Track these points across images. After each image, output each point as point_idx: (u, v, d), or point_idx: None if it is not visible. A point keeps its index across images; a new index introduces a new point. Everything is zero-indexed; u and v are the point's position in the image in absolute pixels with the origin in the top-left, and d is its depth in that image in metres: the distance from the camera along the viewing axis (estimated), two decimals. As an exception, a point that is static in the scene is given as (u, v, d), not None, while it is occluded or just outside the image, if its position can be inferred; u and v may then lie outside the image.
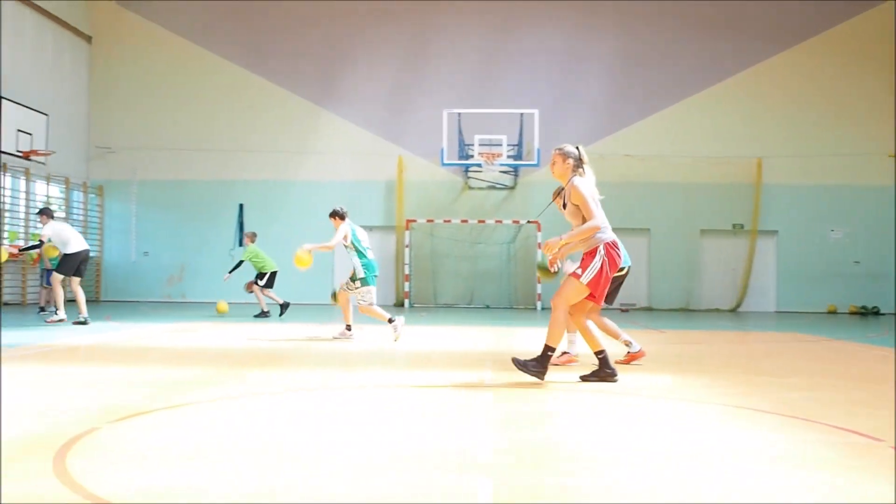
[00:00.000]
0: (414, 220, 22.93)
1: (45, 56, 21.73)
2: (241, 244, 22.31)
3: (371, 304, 10.76)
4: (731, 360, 9.50)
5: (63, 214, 22.19)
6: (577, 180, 6.75)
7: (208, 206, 23.16)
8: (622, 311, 20.91)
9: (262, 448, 4.25)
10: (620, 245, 7.03)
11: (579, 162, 6.88)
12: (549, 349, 6.58)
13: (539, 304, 22.13)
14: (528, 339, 12.19)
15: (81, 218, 23.00)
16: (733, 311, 22.91)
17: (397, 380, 7.04)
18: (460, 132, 21.65)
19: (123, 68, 23.76)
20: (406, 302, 22.49)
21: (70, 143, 22.54)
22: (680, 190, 23.20)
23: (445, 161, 21.38)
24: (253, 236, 16.34)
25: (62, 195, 22.32)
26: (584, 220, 6.67)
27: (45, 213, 13.50)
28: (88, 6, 23.79)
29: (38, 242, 13.50)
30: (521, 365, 6.60)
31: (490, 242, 23.30)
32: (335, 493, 3.40)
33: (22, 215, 19.99)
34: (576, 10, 23.50)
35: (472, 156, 21.25)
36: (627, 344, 8.48)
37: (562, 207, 6.97)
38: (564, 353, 8.40)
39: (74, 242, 13.07)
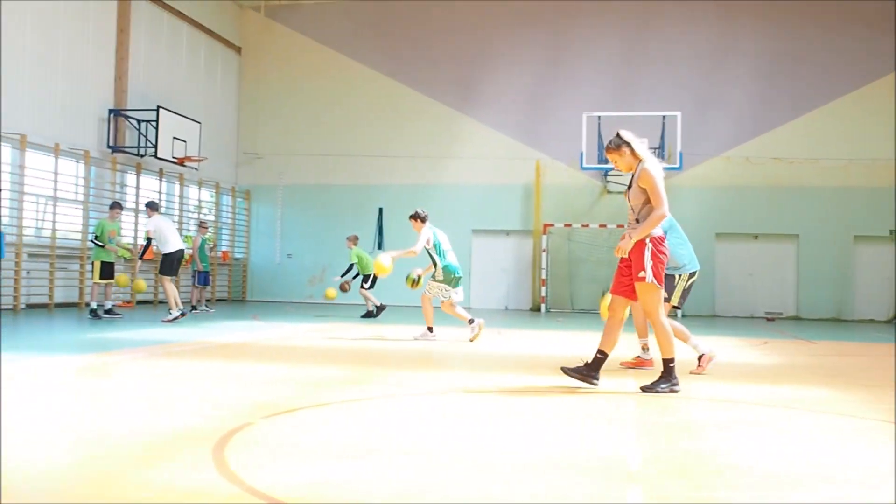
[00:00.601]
0: (551, 225, 22.78)
1: (199, 67, 22.82)
2: (380, 247, 22.78)
3: (453, 305, 10.94)
4: (890, 374, 8.98)
5: (213, 218, 23.24)
6: (649, 164, 6.42)
7: (349, 209, 23.73)
8: (768, 320, 20.13)
9: (411, 447, 4.29)
10: (690, 247, 7.19)
11: (630, 147, 6.54)
12: (668, 362, 6.42)
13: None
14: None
15: (230, 221, 24.01)
16: (890, 322, 21.67)
17: (538, 384, 6.98)
18: (600, 135, 21.35)
19: (271, 77, 24.69)
20: (542, 307, 22.38)
21: (220, 149, 23.58)
22: (831, 194, 22.15)
23: (584, 165, 21.17)
24: (355, 239, 16.72)
25: (212, 199, 23.36)
26: (647, 204, 6.37)
27: (152, 206, 13.84)
28: (239, 18, 24.84)
29: (147, 240, 13.81)
30: (651, 388, 6.44)
31: (628, 248, 22.79)
32: (487, 495, 3.39)
33: (175, 218, 21.00)
34: (719, 9, 22.83)
35: (611, 159, 20.85)
36: (645, 347, 8.26)
37: (626, 189, 6.67)
38: (637, 356, 8.29)
39: (173, 242, 13.46)
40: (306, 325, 13.75)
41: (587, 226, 22.75)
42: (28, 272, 16.39)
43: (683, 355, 7.22)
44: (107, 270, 13.94)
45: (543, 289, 22.53)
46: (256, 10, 24.85)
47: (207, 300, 19.41)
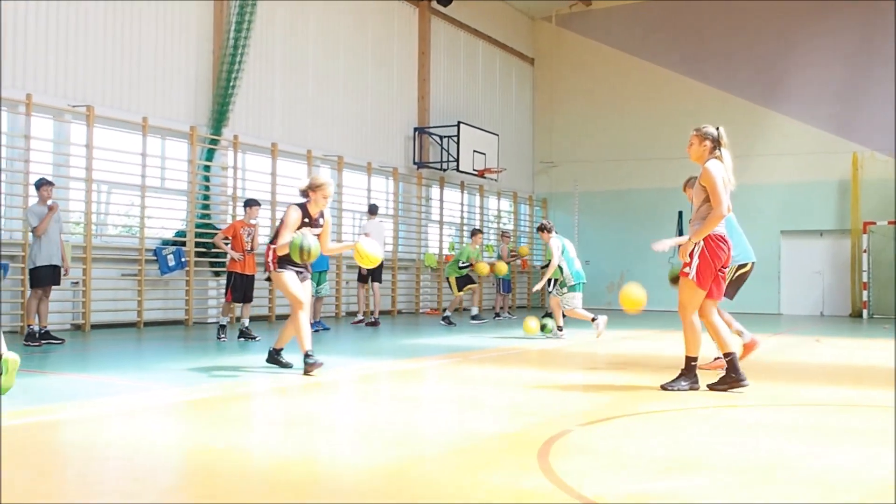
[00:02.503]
0: (872, 223, 20.98)
1: (494, 81, 23.67)
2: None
3: (575, 308, 12.00)
4: None
5: (512, 227, 23.95)
6: (710, 163, 6.49)
7: (648, 214, 23.41)
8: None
9: (737, 462, 4.20)
10: (743, 239, 7.67)
11: (717, 144, 6.59)
12: (690, 360, 6.57)
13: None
14: None
15: (528, 229, 24.63)
16: None
17: (861, 399, 6.53)
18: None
19: (564, 85, 25.03)
20: (864, 312, 20.69)
21: (517, 159, 24.28)
22: None
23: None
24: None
25: (510, 209, 24.09)
26: (707, 203, 6.46)
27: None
28: (531, 31, 25.45)
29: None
30: (671, 386, 6.57)
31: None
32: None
33: (478, 227, 21.91)
34: None
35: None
36: (739, 334, 8.07)
37: (689, 187, 6.80)
38: (717, 358, 8.00)
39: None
40: (613, 333, 13.77)
41: (917, 222, 20.70)
42: (347, 283, 17.84)
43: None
44: (462, 281, 15.42)
45: (865, 293, 20.81)
46: (548, 20, 25.32)
47: (509, 307, 20.00)
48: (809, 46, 22.11)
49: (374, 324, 14.63)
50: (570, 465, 4.10)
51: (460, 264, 15.40)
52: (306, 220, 7.60)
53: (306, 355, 7.45)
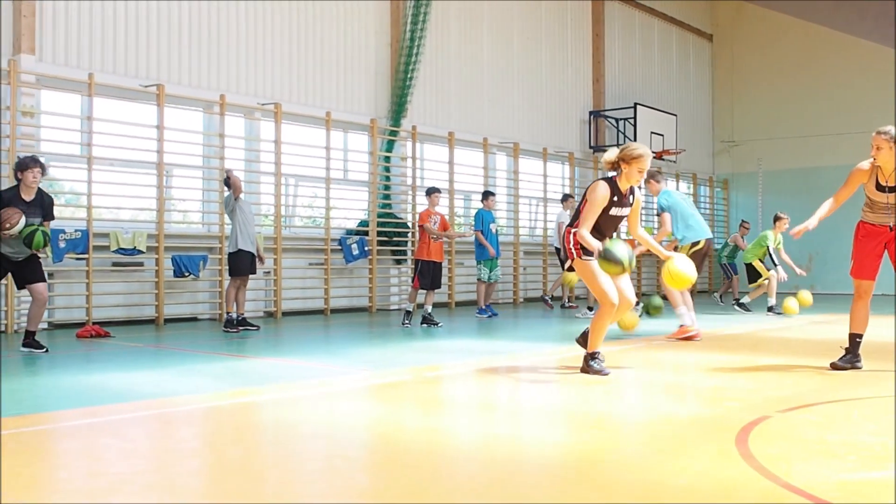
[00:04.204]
0: None
1: (671, 60, 23.03)
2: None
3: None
4: None
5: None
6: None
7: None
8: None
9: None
10: (695, 219, 8.61)
11: None
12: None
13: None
14: None
15: (708, 211, 23.85)
16: None
17: None
18: None
19: (745, 61, 24.02)
20: None
21: (696, 140, 23.54)
22: None
23: None
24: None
25: (689, 190, 23.40)
26: None
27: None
28: (709, 6, 24.56)
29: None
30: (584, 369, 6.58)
31: None
32: None
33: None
34: None
35: None
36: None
37: (877, 188, 6.51)
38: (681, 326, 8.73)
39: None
40: (809, 317, 13.14)
41: None
42: (525, 269, 17.89)
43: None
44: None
45: None
46: (727, -6, 24.39)
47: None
48: None
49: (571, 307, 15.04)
50: (773, 451, 3.95)
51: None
52: (615, 197, 6.41)
53: (593, 356, 6.54)
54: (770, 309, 13.63)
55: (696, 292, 20.75)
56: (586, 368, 6.52)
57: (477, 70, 17.02)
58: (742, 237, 16.75)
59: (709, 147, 24.41)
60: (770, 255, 13.83)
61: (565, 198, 14.83)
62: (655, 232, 10.99)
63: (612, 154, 6.51)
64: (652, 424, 4.86)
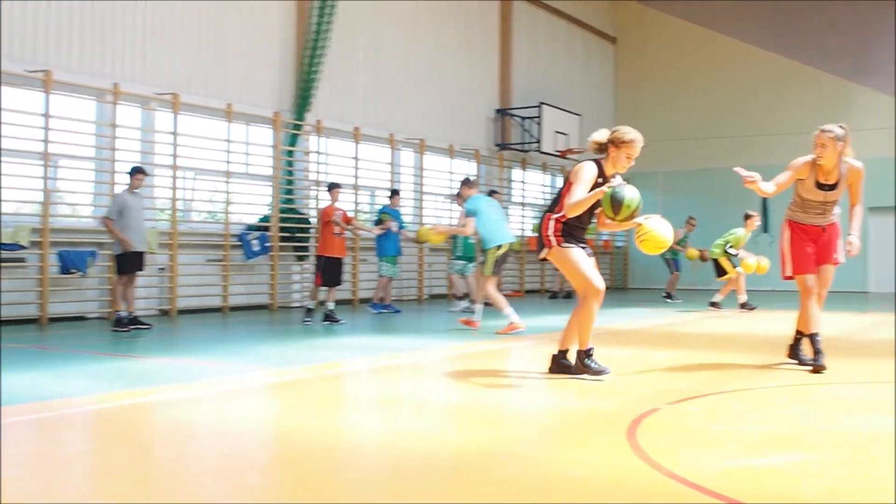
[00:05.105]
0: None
1: (576, 60, 23.37)
2: (765, 230, 21.67)
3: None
4: None
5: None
6: (859, 163, 6.43)
7: (732, 192, 22.78)
8: None
9: (833, 440, 4.05)
10: (499, 224, 9.33)
11: (845, 143, 6.36)
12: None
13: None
14: None
15: (611, 210, 24.28)
16: None
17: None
18: None
19: (646, 64, 24.57)
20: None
21: (600, 140, 23.93)
22: None
23: None
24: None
25: (593, 189, 23.79)
26: (838, 199, 6.43)
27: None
28: (613, 9, 25.03)
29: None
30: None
31: None
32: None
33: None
34: None
35: None
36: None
37: (816, 186, 6.38)
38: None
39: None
40: (697, 314, 13.49)
41: None
42: (430, 265, 17.88)
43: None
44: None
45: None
46: (629, -2, 24.89)
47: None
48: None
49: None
50: (660, 442, 4.01)
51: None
52: (600, 179, 5.88)
53: (588, 354, 5.99)
54: (742, 305, 13.62)
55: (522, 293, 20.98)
56: (582, 369, 5.96)
57: (384, 65, 16.91)
58: (687, 233, 16.98)
59: (611, 147, 24.82)
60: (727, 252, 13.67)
61: (491, 193, 14.97)
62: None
63: (601, 135, 5.99)
64: (547, 419, 4.90)
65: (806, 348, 6.60)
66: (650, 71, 24.49)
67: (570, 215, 5.80)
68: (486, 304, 15.24)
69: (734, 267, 13.63)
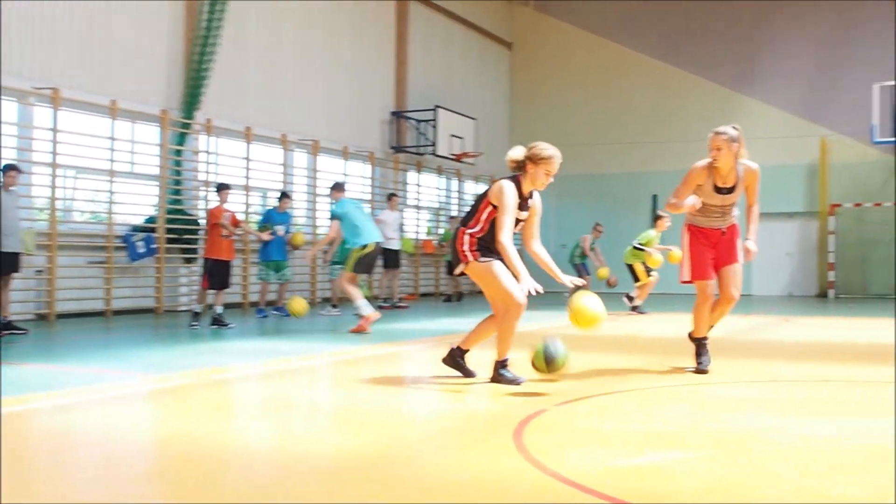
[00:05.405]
0: (839, 205, 21.16)
1: (472, 65, 23.52)
2: (655, 235, 22.23)
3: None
4: None
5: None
6: (754, 165, 6.49)
7: (624, 198, 23.40)
8: None
9: (712, 437, 4.15)
10: (367, 224, 9.70)
11: (740, 145, 6.40)
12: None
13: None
14: None
15: (505, 214, 24.52)
16: None
17: (838, 374, 6.51)
18: (894, 106, 19.54)
19: (541, 70, 24.92)
20: (830, 292, 20.90)
21: (495, 144, 24.11)
22: None
23: (876, 139, 19.42)
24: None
25: (488, 193, 23.97)
26: (736, 201, 6.49)
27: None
28: (509, 15, 25.30)
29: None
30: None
31: (929, 226, 20.79)
32: (801, 490, 3.19)
33: (455, 213, 21.76)
34: None
35: (908, 131, 19.17)
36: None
37: (714, 190, 6.41)
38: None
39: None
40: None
41: (880, 204, 20.89)
42: (322, 269, 17.65)
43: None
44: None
45: (831, 273, 20.99)
46: (525, 4, 25.19)
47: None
48: (782, 32, 22.17)
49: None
50: (546, 442, 4.03)
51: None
52: (519, 200, 5.76)
53: (504, 364, 5.83)
54: (634, 308, 13.89)
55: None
56: (497, 378, 5.78)
57: (277, 64, 16.63)
58: (594, 240, 17.17)
59: (506, 151, 24.93)
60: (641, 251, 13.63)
61: (390, 197, 14.97)
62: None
63: (518, 152, 5.82)
64: (435, 421, 4.87)
65: (693, 349, 6.65)
66: (545, 76, 24.86)
67: (498, 248, 5.68)
68: (397, 305, 15.34)
69: (647, 274, 13.76)
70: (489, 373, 5.88)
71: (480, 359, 6.12)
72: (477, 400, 5.43)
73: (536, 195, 5.90)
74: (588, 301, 5.64)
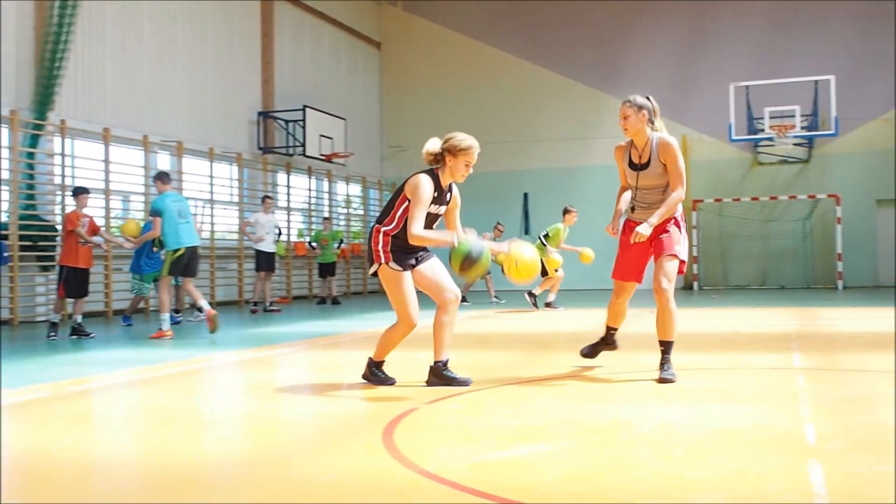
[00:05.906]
0: (700, 201, 22.13)
1: (341, 65, 23.37)
2: (526, 232, 22.69)
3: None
4: None
5: (362, 211, 23.77)
6: (669, 137, 5.89)
7: (496, 196, 23.69)
8: None
9: (580, 429, 4.24)
10: (182, 227, 9.68)
11: (653, 115, 5.91)
12: (664, 344, 6.03)
13: (840, 283, 20.55)
14: (832, 319, 11.35)
15: (377, 214, 24.49)
16: None
17: (703, 363, 6.78)
18: (749, 106, 20.60)
19: (411, 70, 25.00)
20: (695, 284, 21.81)
21: (366, 144, 24.09)
22: None
23: (734, 137, 20.41)
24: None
25: (360, 194, 23.90)
26: (659, 183, 5.92)
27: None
28: (378, 14, 25.26)
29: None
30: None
31: (783, 220, 21.97)
32: (664, 473, 3.30)
33: (326, 213, 21.58)
34: (875, -39, 21.48)
35: (762, 129, 20.23)
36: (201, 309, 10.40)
37: (629, 167, 6.00)
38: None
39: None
40: (475, 312, 13.81)
41: (738, 199, 21.99)
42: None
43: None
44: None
45: (696, 266, 21.92)
46: (394, 4, 25.21)
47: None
48: (644, 34, 22.99)
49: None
50: (415, 441, 4.03)
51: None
52: (435, 192, 5.59)
53: (379, 365, 5.90)
54: (548, 304, 13.90)
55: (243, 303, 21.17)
56: (369, 376, 5.83)
57: (136, 63, 16.05)
58: (495, 239, 17.14)
59: (378, 151, 25.07)
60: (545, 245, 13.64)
61: (264, 199, 14.73)
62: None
63: (434, 145, 5.66)
64: (305, 424, 4.80)
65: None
66: (414, 76, 24.96)
67: (412, 242, 5.51)
68: (269, 309, 15.07)
69: (555, 270, 13.69)
70: (425, 375, 5.86)
71: (399, 359, 6.06)
72: (349, 402, 5.38)
73: (455, 188, 5.80)
74: (525, 249, 5.59)
